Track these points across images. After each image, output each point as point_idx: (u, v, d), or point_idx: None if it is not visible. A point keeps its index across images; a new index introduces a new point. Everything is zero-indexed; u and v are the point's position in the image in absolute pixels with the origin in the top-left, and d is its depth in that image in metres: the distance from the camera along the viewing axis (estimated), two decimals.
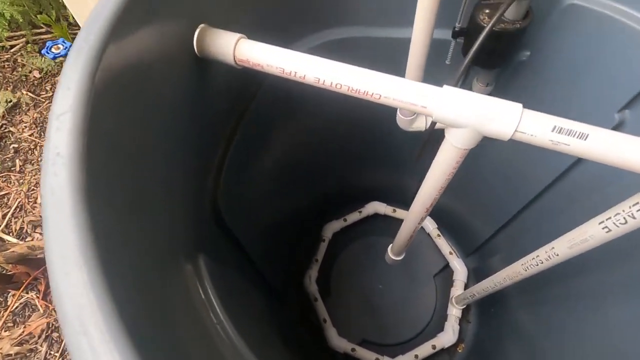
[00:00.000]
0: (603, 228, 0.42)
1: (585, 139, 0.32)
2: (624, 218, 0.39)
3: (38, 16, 1.41)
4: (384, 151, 0.97)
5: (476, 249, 1.01)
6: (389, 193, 1.14)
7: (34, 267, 1.04)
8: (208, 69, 0.46)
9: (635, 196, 0.38)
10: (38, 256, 1.02)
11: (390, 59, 0.67)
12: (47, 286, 1.06)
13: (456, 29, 0.55)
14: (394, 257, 0.80)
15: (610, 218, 0.41)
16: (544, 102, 0.63)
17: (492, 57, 0.53)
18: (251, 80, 0.59)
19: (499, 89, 0.65)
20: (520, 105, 0.35)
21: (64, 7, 1.31)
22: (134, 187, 0.32)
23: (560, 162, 0.63)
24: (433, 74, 0.56)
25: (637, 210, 0.37)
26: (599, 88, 0.54)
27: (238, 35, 0.41)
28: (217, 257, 0.48)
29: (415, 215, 0.62)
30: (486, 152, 0.75)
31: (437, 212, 1.08)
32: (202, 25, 0.42)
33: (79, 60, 0.26)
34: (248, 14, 0.51)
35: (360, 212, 1.10)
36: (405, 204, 1.16)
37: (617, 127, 0.54)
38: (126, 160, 0.31)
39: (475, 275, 1.02)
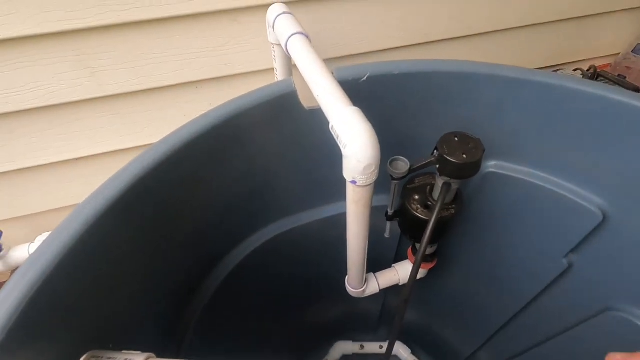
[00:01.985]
0: None
1: None
2: None
3: None
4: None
5: None
6: (351, 325, 1.03)
7: None
8: None
9: None
10: None
11: (330, 236, 0.62)
12: None
13: (389, 213, 0.51)
14: None
15: None
16: (487, 248, 0.61)
17: (434, 238, 0.49)
18: None
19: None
20: None
21: None
22: None
23: (546, 275, 0.59)
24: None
25: None
26: (539, 238, 0.53)
27: (144, 356, 0.30)
28: None
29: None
30: (467, 264, 0.69)
31: (410, 333, 1.00)
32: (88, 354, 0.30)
33: None
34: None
35: None
36: (372, 333, 1.07)
37: (568, 270, 0.53)
38: None
39: None
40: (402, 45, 0.74)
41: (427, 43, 0.76)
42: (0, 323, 0.22)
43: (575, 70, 0.91)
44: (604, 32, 0.90)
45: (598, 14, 0.85)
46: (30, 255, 0.29)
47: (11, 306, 0.23)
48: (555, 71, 0.90)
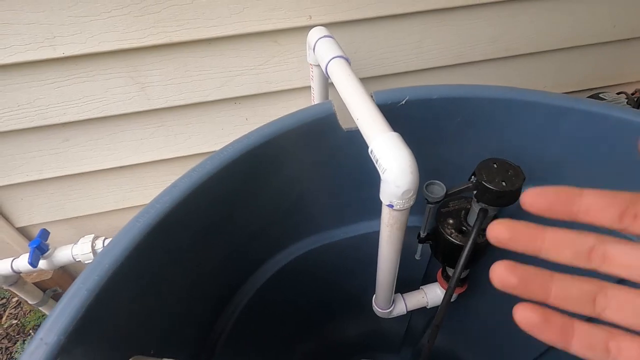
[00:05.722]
0: None
1: None
2: None
3: None
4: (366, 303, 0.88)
5: None
6: (373, 343, 1.02)
7: None
8: None
9: None
10: None
11: (360, 254, 0.62)
12: None
13: (422, 235, 0.51)
14: None
15: None
16: None
17: (467, 264, 0.48)
18: None
19: None
20: None
21: None
22: None
23: None
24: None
25: None
26: (580, 271, 0.51)
27: None
28: None
29: None
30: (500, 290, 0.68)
31: (436, 358, 0.98)
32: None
33: None
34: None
35: None
36: (395, 353, 1.05)
37: None
38: None
39: None
40: (439, 65, 0.75)
41: (464, 64, 0.76)
42: (64, 324, 0.24)
43: (619, 93, 0.87)
44: None
45: None
46: (85, 269, 0.31)
47: (72, 311, 0.25)
48: (598, 94, 0.87)
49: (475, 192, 0.41)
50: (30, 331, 1.24)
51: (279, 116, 0.42)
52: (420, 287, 0.67)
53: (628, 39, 0.82)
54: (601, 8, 0.75)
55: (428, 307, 0.66)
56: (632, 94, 0.85)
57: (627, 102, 0.83)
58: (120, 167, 0.73)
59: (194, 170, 0.35)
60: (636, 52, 0.86)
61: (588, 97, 0.90)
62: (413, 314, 0.86)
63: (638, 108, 0.80)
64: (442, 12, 0.67)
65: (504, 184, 0.39)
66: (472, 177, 0.41)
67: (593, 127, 0.41)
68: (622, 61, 0.87)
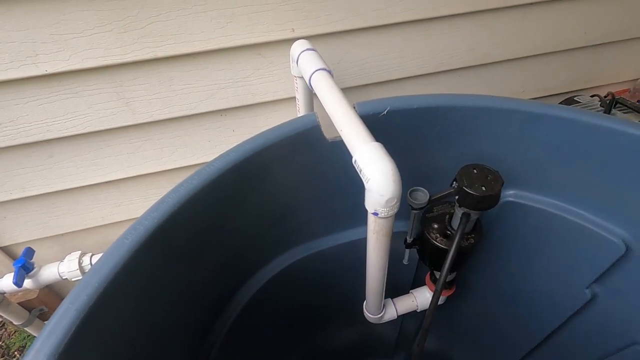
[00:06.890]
0: None
1: None
2: None
3: None
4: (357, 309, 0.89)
5: None
6: (367, 349, 1.02)
7: None
8: None
9: None
10: None
11: (349, 260, 0.62)
12: None
13: (408, 241, 0.52)
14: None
15: None
16: (507, 276, 0.61)
17: (453, 267, 0.50)
18: None
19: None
20: None
21: None
22: None
23: (568, 306, 0.57)
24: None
25: None
26: (560, 268, 0.53)
27: None
28: None
29: None
30: (486, 291, 0.69)
31: (427, 359, 0.98)
32: None
33: None
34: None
35: None
36: (387, 357, 1.05)
37: (591, 301, 0.52)
38: None
39: None
40: (420, 74, 0.77)
41: (444, 72, 0.78)
42: (53, 346, 0.24)
43: (592, 96, 0.91)
44: (621, 58, 0.90)
45: (615, 42, 0.86)
46: (74, 288, 0.31)
47: (61, 332, 0.25)
48: (573, 97, 0.91)
49: (457, 197, 0.42)
50: (16, 352, 1.20)
51: (266, 127, 0.43)
52: (410, 291, 0.68)
53: (599, 44, 0.86)
54: (570, 16, 0.78)
55: (418, 311, 0.67)
56: (605, 97, 0.88)
57: (600, 105, 0.87)
58: (107, 183, 0.73)
59: (181, 185, 0.35)
60: (607, 57, 0.90)
61: (564, 100, 0.94)
62: (404, 318, 0.87)
63: (609, 110, 0.84)
64: (421, 22, 0.69)
65: (483, 188, 0.40)
66: (454, 182, 0.43)
67: (566, 131, 0.43)
68: (594, 66, 0.91)
